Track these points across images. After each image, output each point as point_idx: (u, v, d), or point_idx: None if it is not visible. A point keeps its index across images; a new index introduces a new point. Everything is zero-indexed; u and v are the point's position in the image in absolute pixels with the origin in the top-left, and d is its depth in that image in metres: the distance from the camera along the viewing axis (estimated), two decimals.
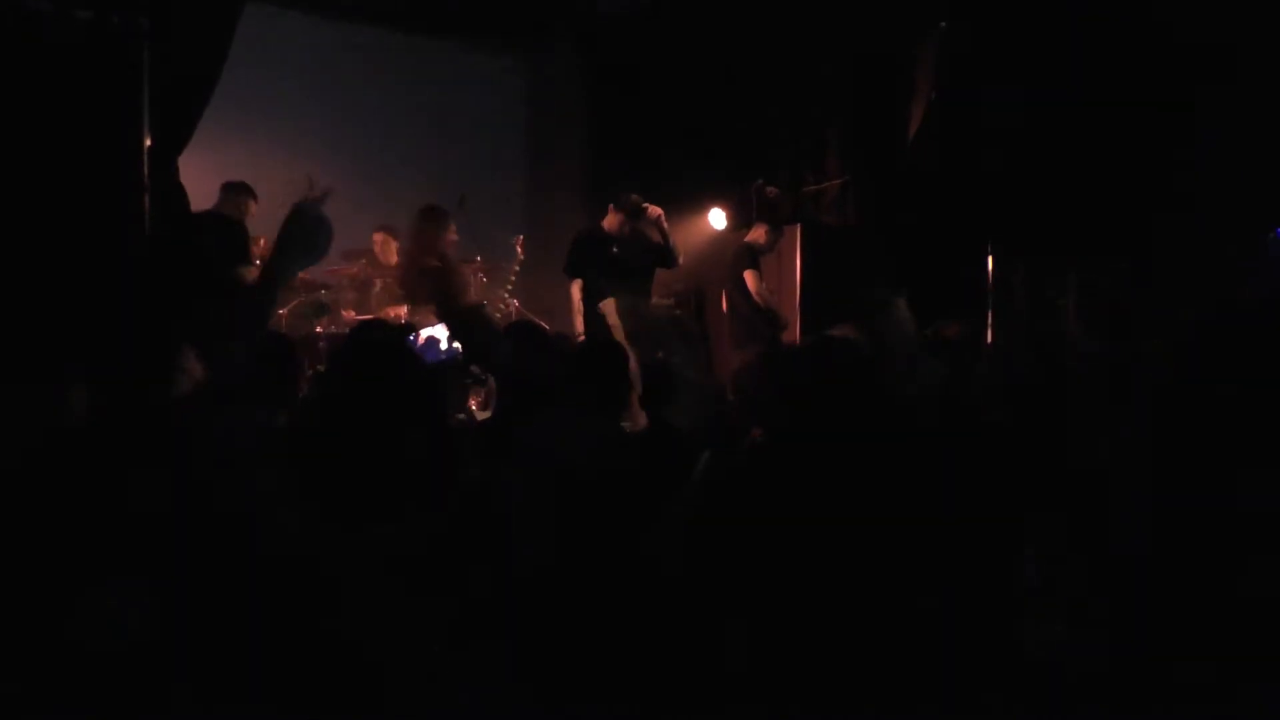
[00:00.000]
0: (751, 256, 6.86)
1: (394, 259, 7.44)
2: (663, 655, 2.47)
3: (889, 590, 2.40)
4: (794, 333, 6.86)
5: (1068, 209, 7.00)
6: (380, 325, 5.75)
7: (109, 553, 2.39)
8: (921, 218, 7.08)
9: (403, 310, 6.63)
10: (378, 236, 7.51)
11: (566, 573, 2.61)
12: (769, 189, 7.85)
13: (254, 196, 5.97)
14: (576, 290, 6.37)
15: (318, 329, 6.91)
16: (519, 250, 6.03)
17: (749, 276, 6.72)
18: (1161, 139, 6.62)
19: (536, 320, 6.47)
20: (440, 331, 5.47)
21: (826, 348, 3.06)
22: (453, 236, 5.89)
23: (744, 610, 2.44)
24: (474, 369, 5.11)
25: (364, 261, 7.43)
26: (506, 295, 6.33)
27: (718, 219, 7.82)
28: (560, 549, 2.67)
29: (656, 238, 6.45)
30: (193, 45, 5.14)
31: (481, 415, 5.88)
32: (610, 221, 6.47)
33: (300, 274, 7.01)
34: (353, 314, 7.15)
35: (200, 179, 5.65)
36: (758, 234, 6.98)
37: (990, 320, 6.91)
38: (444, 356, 5.09)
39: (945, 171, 7.04)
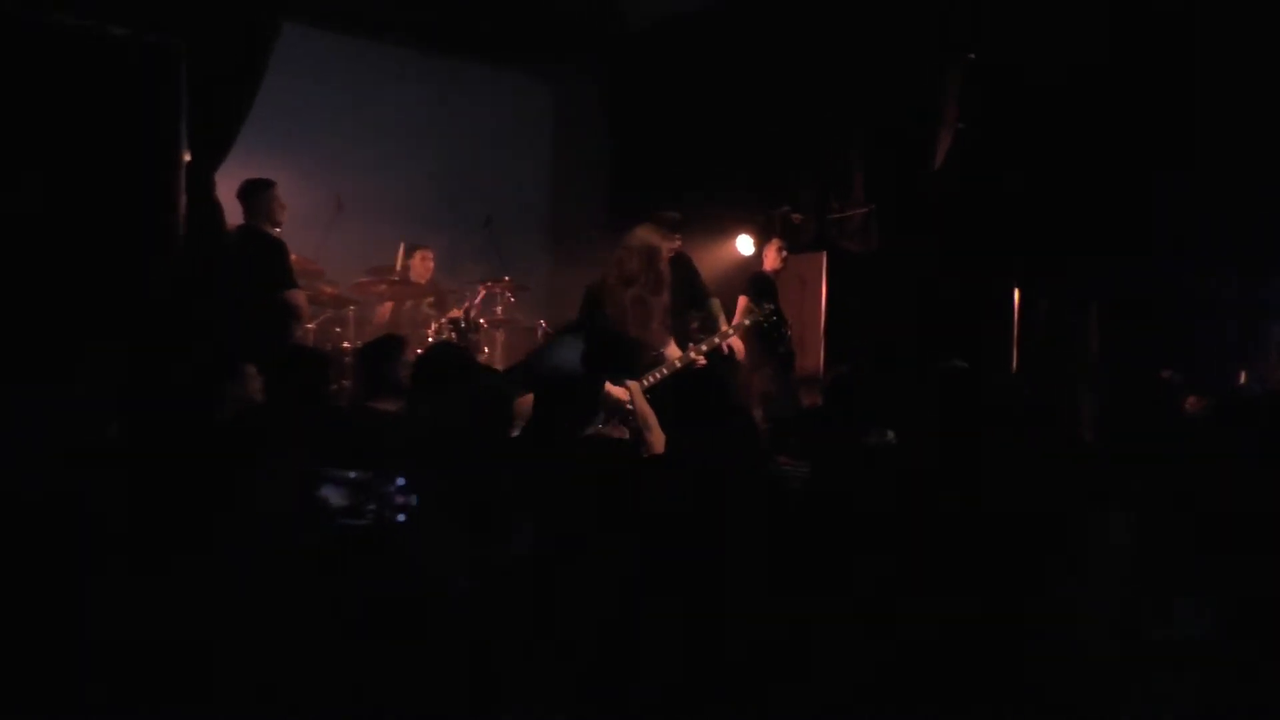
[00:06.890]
0: (756, 284, 6.83)
1: (427, 276, 7.43)
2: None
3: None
4: (818, 358, 6.85)
5: (1092, 239, 6.99)
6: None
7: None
8: (947, 247, 7.09)
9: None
10: (417, 255, 7.48)
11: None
12: (794, 215, 7.86)
13: (273, 185, 5.91)
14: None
15: (344, 344, 6.93)
16: None
17: (740, 301, 6.62)
18: (1184, 170, 6.62)
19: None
20: None
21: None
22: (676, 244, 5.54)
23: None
24: None
25: (392, 278, 7.45)
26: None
27: (745, 245, 7.82)
28: None
29: None
30: (230, 64, 5.21)
31: None
32: (771, 261, 7.03)
33: (327, 289, 7.04)
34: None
35: (231, 195, 5.69)
36: (770, 260, 7.02)
37: (1015, 349, 6.90)
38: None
39: (971, 201, 7.04)
